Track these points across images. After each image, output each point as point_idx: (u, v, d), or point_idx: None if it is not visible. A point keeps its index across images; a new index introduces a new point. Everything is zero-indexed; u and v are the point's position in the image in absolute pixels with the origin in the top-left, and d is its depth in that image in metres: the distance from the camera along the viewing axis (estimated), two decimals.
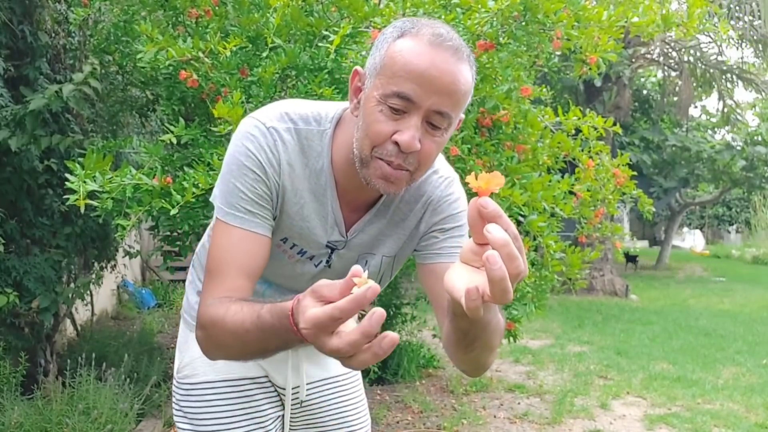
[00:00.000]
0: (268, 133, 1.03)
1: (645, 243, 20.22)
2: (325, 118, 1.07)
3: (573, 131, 3.23)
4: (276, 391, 1.30)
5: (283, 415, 1.30)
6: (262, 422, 1.26)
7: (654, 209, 3.47)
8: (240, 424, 1.24)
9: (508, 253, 0.70)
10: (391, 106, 0.93)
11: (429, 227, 1.12)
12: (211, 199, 1.08)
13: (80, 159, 2.43)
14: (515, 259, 0.71)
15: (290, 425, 1.30)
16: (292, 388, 1.28)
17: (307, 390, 1.30)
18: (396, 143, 0.94)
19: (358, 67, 1.02)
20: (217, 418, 1.23)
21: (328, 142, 1.05)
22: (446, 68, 0.92)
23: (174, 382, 1.30)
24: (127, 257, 4.24)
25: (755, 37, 9.26)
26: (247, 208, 1.01)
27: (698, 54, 10.16)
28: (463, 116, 1.03)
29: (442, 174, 1.14)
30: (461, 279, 0.76)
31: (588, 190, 3.13)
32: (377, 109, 0.94)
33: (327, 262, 1.14)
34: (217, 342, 0.96)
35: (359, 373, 1.42)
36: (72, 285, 3.77)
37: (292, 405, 1.29)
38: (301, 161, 1.05)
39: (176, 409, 1.28)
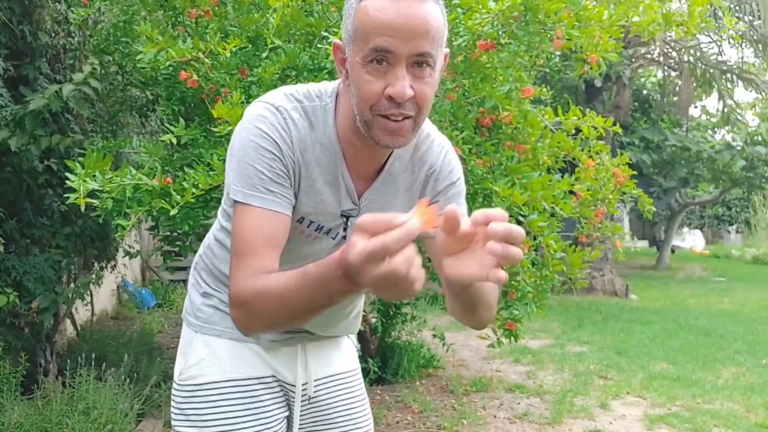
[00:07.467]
0: (278, 112, 1.07)
1: (645, 243, 20.21)
2: (325, 93, 1.12)
3: (573, 131, 3.23)
4: (282, 390, 1.30)
5: (288, 417, 1.30)
6: (269, 423, 1.26)
7: (654, 209, 3.47)
8: (247, 425, 1.23)
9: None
10: (374, 61, 0.97)
11: (434, 195, 1.20)
12: (225, 189, 1.10)
13: (80, 159, 2.43)
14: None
15: (299, 422, 1.30)
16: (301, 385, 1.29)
17: (315, 387, 1.31)
18: (390, 97, 0.98)
19: (336, 40, 1.08)
20: (224, 419, 1.22)
21: (332, 114, 1.10)
22: (411, 13, 0.96)
23: (174, 385, 1.28)
24: (127, 257, 4.24)
25: (755, 37, 9.25)
26: (267, 188, 1.04)
27: (698, 54, 10.15)
28: (447, 50, 1.06)
29: (440, 142, 1.21)
30: (465, 266, 0.85)
31: (588, 190, 3.14)
32: (363, 71, 0.99)
33: (344, 233, 1.17)
34: (261, 310, 0.98)
35: (360, 371, 1.44)
36: (72, 285, 3.77)
37: (300, 401, 1.29)
38: (310, 137, 1.09)
39: (176, 413, 1.26)
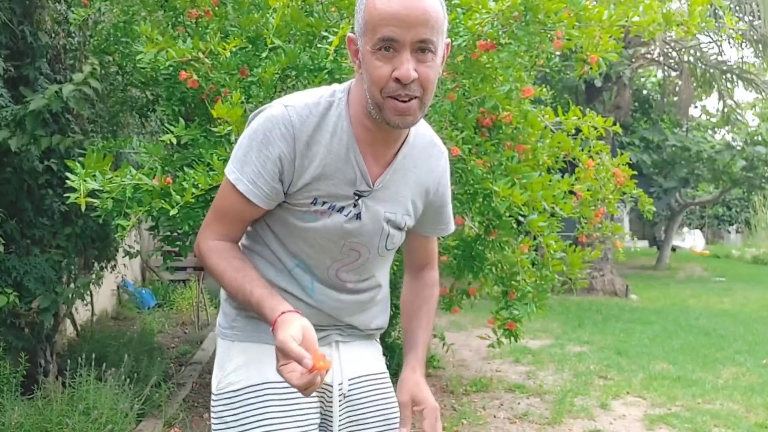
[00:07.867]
0: (286, 111, 1.20)
1: (645, 243, 20.20)
2: (338, 90, 1.25)
3: (573, 131, 3.24)
4: (316, 394, 1.29)
5: (319, 423, 1.31)
6: (306, 426, 1.26)
7: (654, 209, 3.47)
8: (286, 427, 1.24)
9: None
10: (382, 48, 1.12)
11: (436, 198, 1.37)
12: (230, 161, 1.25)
13: (80, 159, 2.43)
14: None
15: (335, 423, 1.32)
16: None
17: (349, 385, 1.33)
18: (397, 79, 1.12)
19: (349, 34, 1.22)
20: (263, 421, 1.23)
21: (345, 106, 1.22)
22: (413, 5, 1.11)
23: (213, 398, 1.29)
24: (127, 257, 4.24)
25: (755, 37, 9.26)
26: (253, 179, 1.20)
27: (698, 54, 10.15)
28: (448, 40, 1.21)
29: (440, 148, 1.36)
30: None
31: (588, 190, 3.14)
32: (373, 58, 1.13)
33: (357, 213, 1.25)
34: (211, 275, 1.25)
35: (389, 376, 1.46)
36: (72, 285, 3.77)
37: (337, 400, 1.31)
38: (322, 130, 1.21)
39: (216, 423, 1.27)
